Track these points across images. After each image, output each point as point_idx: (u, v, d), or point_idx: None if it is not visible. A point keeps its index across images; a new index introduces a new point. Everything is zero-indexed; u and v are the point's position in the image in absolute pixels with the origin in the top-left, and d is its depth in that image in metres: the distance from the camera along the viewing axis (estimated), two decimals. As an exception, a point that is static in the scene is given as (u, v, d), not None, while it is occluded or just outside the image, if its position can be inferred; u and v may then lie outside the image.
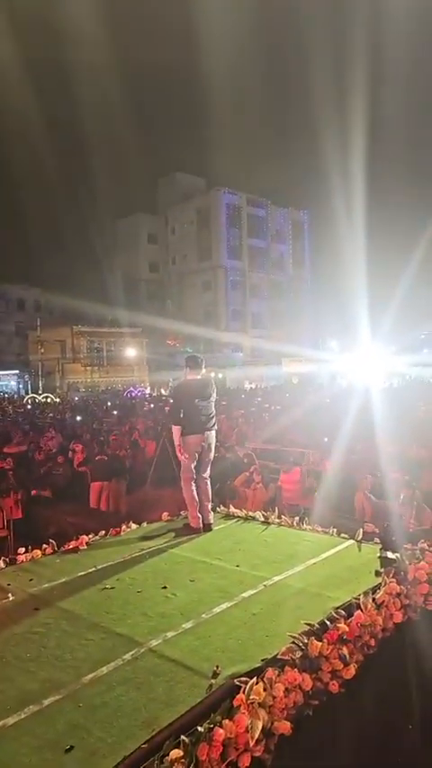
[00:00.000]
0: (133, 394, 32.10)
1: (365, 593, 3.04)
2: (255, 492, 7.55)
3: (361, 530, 4.25)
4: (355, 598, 3.00)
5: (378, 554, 3.59)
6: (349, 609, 2.89)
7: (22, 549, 4.16)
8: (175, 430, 4.87)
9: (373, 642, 2.80)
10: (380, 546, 3.73)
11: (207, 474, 4.93)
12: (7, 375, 47.70)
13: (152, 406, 21.17)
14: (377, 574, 3.40)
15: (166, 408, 17.81)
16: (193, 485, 4.83)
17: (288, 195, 57.56)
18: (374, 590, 3.12)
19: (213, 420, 4.96)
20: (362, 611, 2.86)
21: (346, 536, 4.27)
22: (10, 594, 3.40)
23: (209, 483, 4.96)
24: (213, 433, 4.96)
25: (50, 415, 20.95)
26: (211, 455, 4.96)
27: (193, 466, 4.84)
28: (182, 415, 4.87)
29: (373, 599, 3.00)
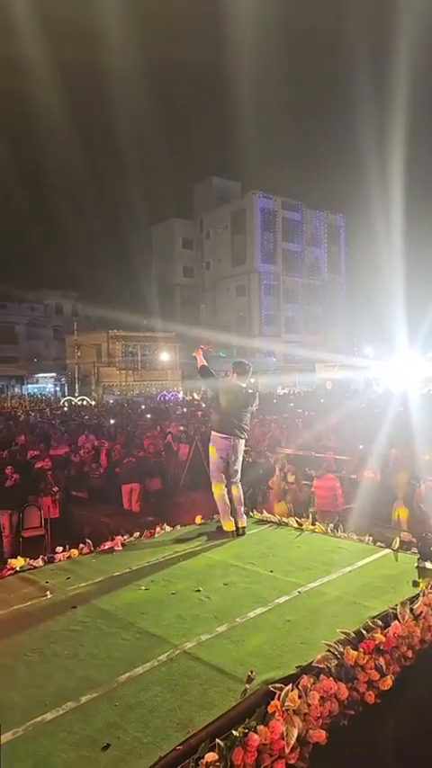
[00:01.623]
0: (166, 398, 32.35)
1: (403, 604, 2.99)
2: (289, 494, 7.51)
3: (398, 539, 4.17)
4: (392, 608, 2.95)
5: (416, 564, 3.53)
6: (386, 619, 2.84)
7: (60, 548, 4.25)
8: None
9: (410, 654, 2.75)
10: (418, 556, 3.66)
11: (238, 479, 4.93)
12: (45, 378, 48.79)
13: (185, 410, 21.29)
14: (415, 584, 3.34)
15: (199, 413, 17.89)
16: (225, 489, 4.84)
17: (324, 198, 57.19)
18: (412, 600, 3.06)
19: (246, 429, 4.95)
20: (399, 621, 2.81)
21: (382, 545, 4.20)
22: (48, 592, 3.48)
23: (240, 488, 4.96)
24: (243, 442, 4.95)
25: (86, 417, 21.33)
26: (239, 463, 4.94)
27: (221, 470, 4.86)
28: (218, 411, 4.94)
29: (411, 609, 2.94)
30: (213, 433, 4.95)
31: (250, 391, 5.04)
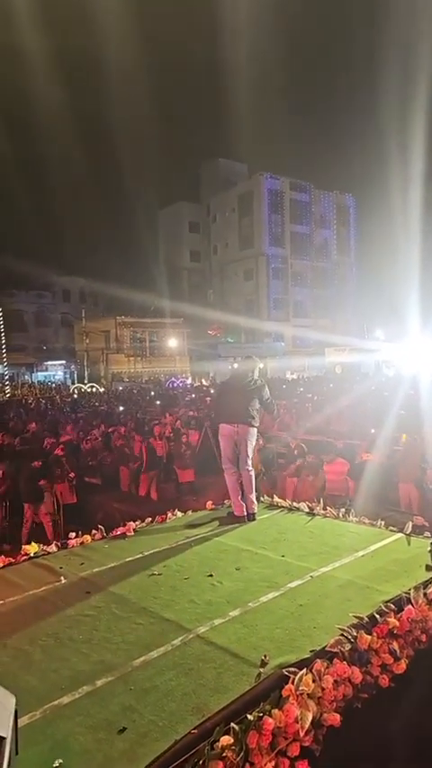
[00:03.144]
0: (175, 384, 32.39)
1: (416, 588, 2.99)
2: (304, 482, 7.52)
3: (410, 523, 4.16)
4: (405, 592, 2.95)
5: (429, 548, 3.52)
6: (399, 603, 2.84)
7: (73, 534, 4.29)
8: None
9: (424, 638, 2.75)
10: (431, 540, 3.65)
11: (249, 465, 4.92)
12: (54, 366, 48.98)
13: (193, 396, 21.33)
14: (428, 568, 3.34)
15: (207, 399, 17.93)
16: (236, 475, 4.86)
17: (333, 178, 56.30)
18: (426, 585, 3.06)
19: (250, 414, 4.85)
20: (413, 605, 2.81)
21: (394, 529, 4.19)
22: (62, 577, 3.52)
23: (252, 473, 4.96)
24: (250, 428, 4.86)
25: (96, 404, 21.43)
26: (249, 450, 4.89)
27: (230, 459, 4.87)
28: (220, 405, 5.12)
29: (425, 594, 2.94)
30: (220, 425, 5.03)
31: (245, 370, 5.12)
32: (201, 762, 1.83)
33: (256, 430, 4.98)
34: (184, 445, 9.46)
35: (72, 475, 8.36)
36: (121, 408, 17.78)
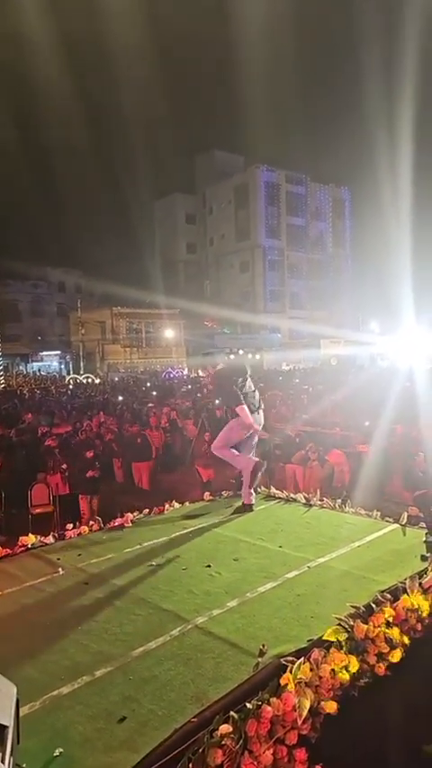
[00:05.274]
0: (171, 375, 32.34)
1: (411, 578, 3.01)
2: (311, 470, 7.54)
3: (406, 513, 4.19)
4: (401, 582, 2.98)
5: (424, 538, 3.54)
6: (395, 593, 2.87)
7: (70, 525, 4.29)
8: (240, 409, 4.69)
9: (419, 627, 2.78)
10: (426, 530, 3.67)
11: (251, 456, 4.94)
12: (50, 356, 48.76)
13: (189, 387, 21.33)
14: (423, 558, 3.37)
15: (204, 390, 17.94)
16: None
17: (328, 171, 55.97)
18: (421, 575, 3.09)
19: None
20: (408, 595, 2.84)
21: (390, 519, 4.22)
22: (60, 569, 3.53)
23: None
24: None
25: (92, 394, 21.39)
26: (253, 442, 4.97)
27: (231, 447, 4.90)
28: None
29: (420, 584, 2.96)
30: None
31: (238, 366, 5.34)
32: (200, 750, 1.85)
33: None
34: (207, 443, 9.10)
35: (64, 466, 8.35)
36: (120, 398, 17.73)
